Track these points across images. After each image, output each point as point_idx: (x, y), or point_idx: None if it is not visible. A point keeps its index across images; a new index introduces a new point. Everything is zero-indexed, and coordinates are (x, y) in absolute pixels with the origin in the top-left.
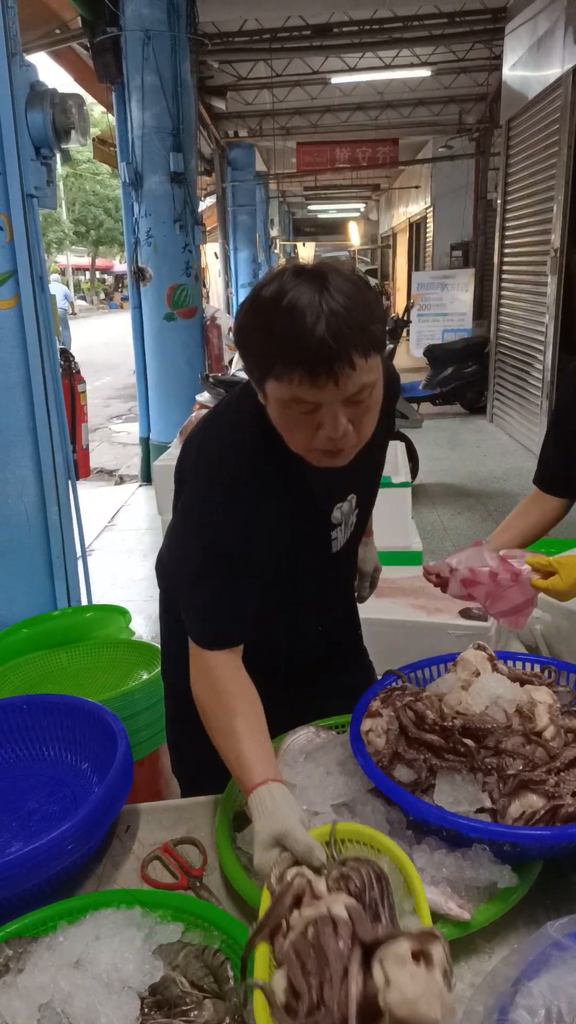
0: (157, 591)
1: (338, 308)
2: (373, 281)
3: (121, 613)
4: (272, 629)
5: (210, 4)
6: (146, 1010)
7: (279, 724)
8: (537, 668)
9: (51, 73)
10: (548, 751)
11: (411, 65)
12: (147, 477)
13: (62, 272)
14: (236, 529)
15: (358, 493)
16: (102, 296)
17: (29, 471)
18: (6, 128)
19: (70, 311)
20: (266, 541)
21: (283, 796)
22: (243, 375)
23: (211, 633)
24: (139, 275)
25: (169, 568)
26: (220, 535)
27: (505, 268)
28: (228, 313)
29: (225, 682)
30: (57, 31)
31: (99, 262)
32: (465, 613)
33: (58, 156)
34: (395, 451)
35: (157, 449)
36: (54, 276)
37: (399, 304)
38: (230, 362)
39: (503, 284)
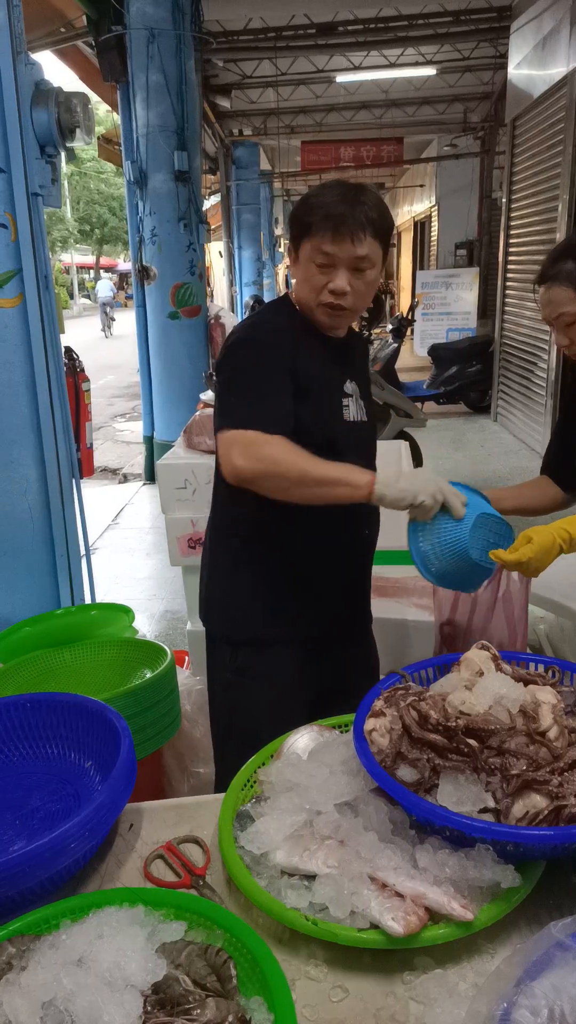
0: (160, 590)
1: (363, 200)
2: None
3: (124, 612)
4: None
5: (215, 2)
6: (149, 1008)
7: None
8: (541, 668)
9: (56, 72)
10: (552, 751)
11: (416, 64)
12: (151, 476)
13: (66, 270)
14: (276, 356)
15: (356, 381)
16: None
17: (33, 469)
18: (11, 127)
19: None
20: (291, 384)
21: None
22: None
23: (269, 416)
24: (143, 274)
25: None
26: (265, 355)
27: (510, 267)
28: (232, 312)
29: (290, 446)
30: (62, 29)
31: (103, 261)
32: None
33: (63, 154)
34: (399, 450)
35: (161, 448)
36: (105, 274)
37: (403, 303)
38: None
39: (508, 283)
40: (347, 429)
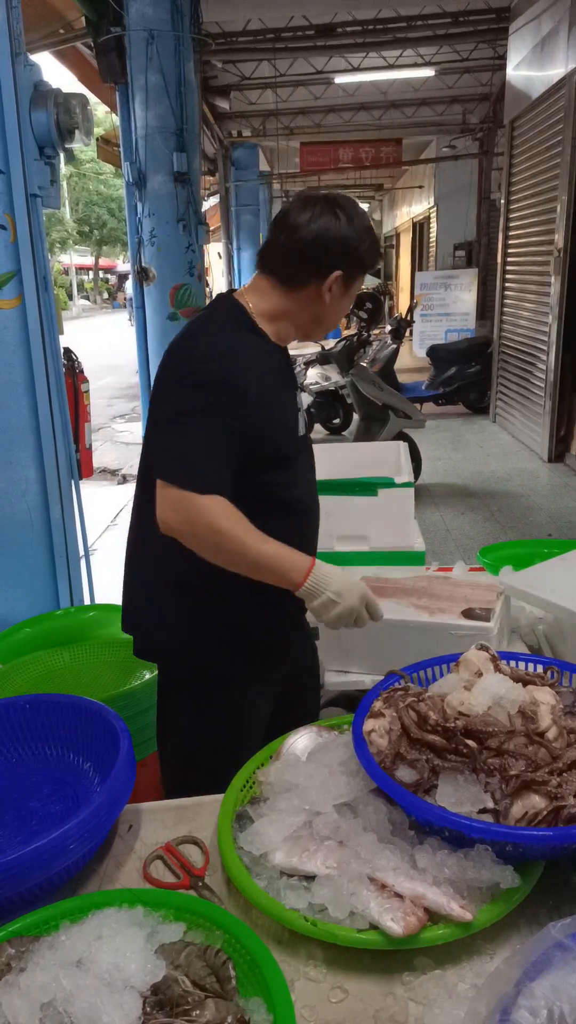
0: None
1: None
2: (376, 281)
3: None
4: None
5: (214, 4)
6: (148, 1009)
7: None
8: (540, 668)
9: (55, 73)
10: (550, 752)
11: (415, 65)
12: None
13: (65, 272)
14: (227, 410)
15: (297, 390)
16: (105, 296)
17: (32, 470)
18: (10, 128)
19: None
20: (236, 445)
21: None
22: None
23: (211, 478)
24: (142, 275)
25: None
26: (216, 410)
27: (509, 268)
28: None
29: (230, 512)
30: (61, 31)
31: (102, 262)
32: (468, 613)
33: (62, 156)
34: (398, 451)
35: None
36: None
37: (402, 304)
38: None
39: (506, 284)
40: (301, 444)
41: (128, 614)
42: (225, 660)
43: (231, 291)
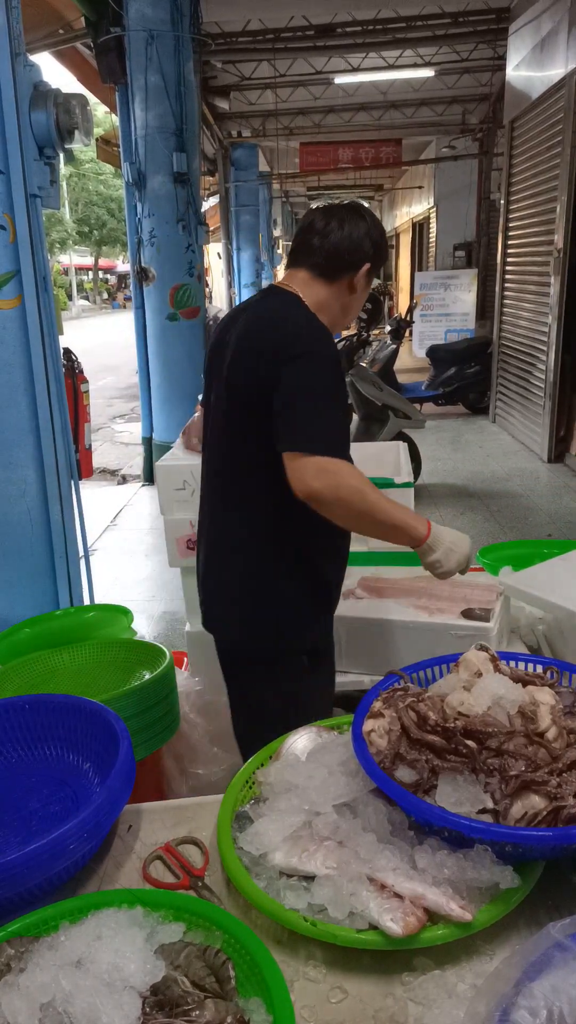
0: (159, 591)
1: None
2: (376, 281)
3: (123, 613)
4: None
5: (213, 4)
6: (148, 1010)
7: None
8: (539, 669)
9: (55, 73)
10: (550, 752)
11: (414, 65)
12: (149, 477)
13: (65, 272)
14: (343, 378)
15: None
16: (105, 296)
17: (32, 471)
18: (10, 128)
19: None
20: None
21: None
22: None
23: (343, 445)
24: (142, 275)
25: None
26: (339, 376)
27: (508, 269)
28: None
29: (363, 475)
30: (61, 31)
31: (102, 262)
32: (467, 614)
33: (61, 156)
34: (397, 451)
35: (159, 449)
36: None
37: (402, 304)
38: None
39: (506, 285)
40: None
41: (225, 609)
42: (324, 623)
43: (272, 284)
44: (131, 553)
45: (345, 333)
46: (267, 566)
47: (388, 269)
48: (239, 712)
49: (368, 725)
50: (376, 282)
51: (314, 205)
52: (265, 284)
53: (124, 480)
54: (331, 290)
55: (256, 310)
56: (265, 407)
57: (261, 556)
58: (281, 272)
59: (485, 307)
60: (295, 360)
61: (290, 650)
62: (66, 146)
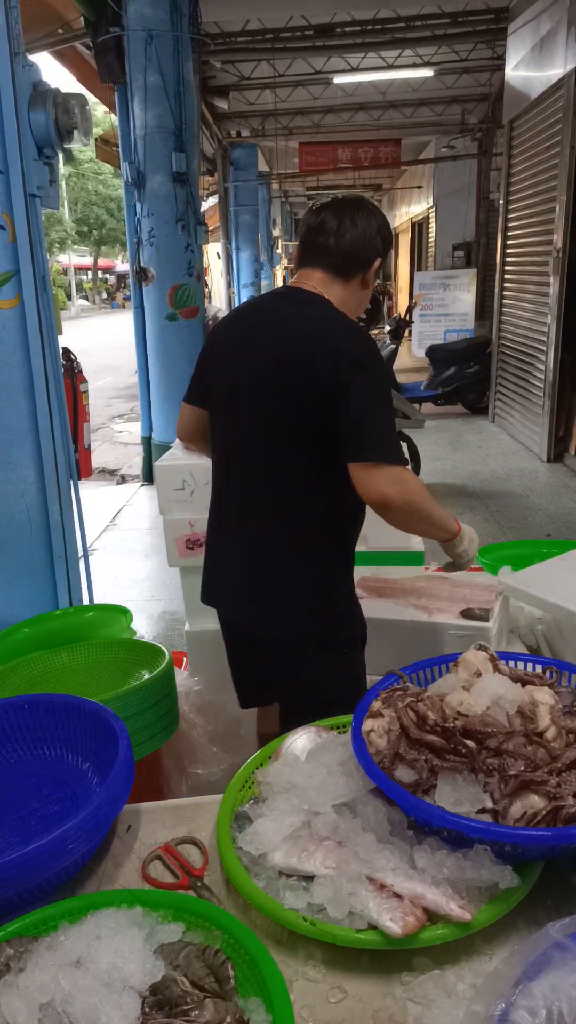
0: (158, 591)
1: None
2: (375, 281)
3: (123, 613)
4: None
5: (213, 4)
6: (147, 1010)
7: None
8: (539, 669)
9: (54, 73)
10: (549, 752)
11: (413, 65)
12: (149, 477)
13: (64, 272)
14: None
15: None
16: (104, 296)
17: (31, 471)
18: (9, 128)
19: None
20: None
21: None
22: None
23: (401, 452)
24: (141, 275)
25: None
26: (383, 367)
27: (507, 268)
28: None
29: (419, 481)
30: (60, 31)
31: (101, 262)
32: (467, 613)
33: (60, 156)
34: None
35: (159, 449)
36: None
37: (401, 304)
38: None
39: (505, 284)
40: None
41: (294, 607)
42: (359, 612)
43: (291, 286)
44: (130, 553)
45: None
46: (328, 564)
47: (387, 269)
48: (303, 700)
49: (367, 725)
50: (376, 282)
51: (314, 203)
52: (265, 284)
53: (123, 480)
54: (347, 288)
55: (300, 320)
56: (320, 417)
57: (325, 556)
58: (280, 272)
59: (484, 307)
60: (363, 371)
61: (352, 636)
62: (65, 146)
